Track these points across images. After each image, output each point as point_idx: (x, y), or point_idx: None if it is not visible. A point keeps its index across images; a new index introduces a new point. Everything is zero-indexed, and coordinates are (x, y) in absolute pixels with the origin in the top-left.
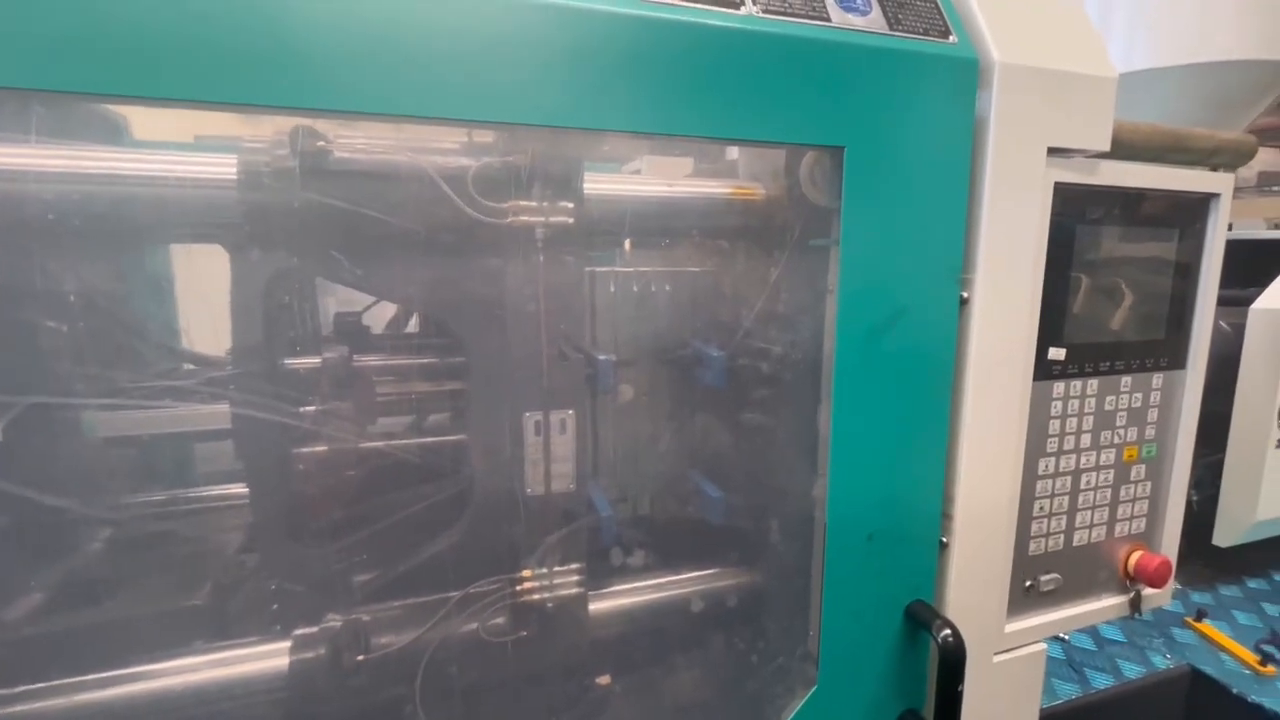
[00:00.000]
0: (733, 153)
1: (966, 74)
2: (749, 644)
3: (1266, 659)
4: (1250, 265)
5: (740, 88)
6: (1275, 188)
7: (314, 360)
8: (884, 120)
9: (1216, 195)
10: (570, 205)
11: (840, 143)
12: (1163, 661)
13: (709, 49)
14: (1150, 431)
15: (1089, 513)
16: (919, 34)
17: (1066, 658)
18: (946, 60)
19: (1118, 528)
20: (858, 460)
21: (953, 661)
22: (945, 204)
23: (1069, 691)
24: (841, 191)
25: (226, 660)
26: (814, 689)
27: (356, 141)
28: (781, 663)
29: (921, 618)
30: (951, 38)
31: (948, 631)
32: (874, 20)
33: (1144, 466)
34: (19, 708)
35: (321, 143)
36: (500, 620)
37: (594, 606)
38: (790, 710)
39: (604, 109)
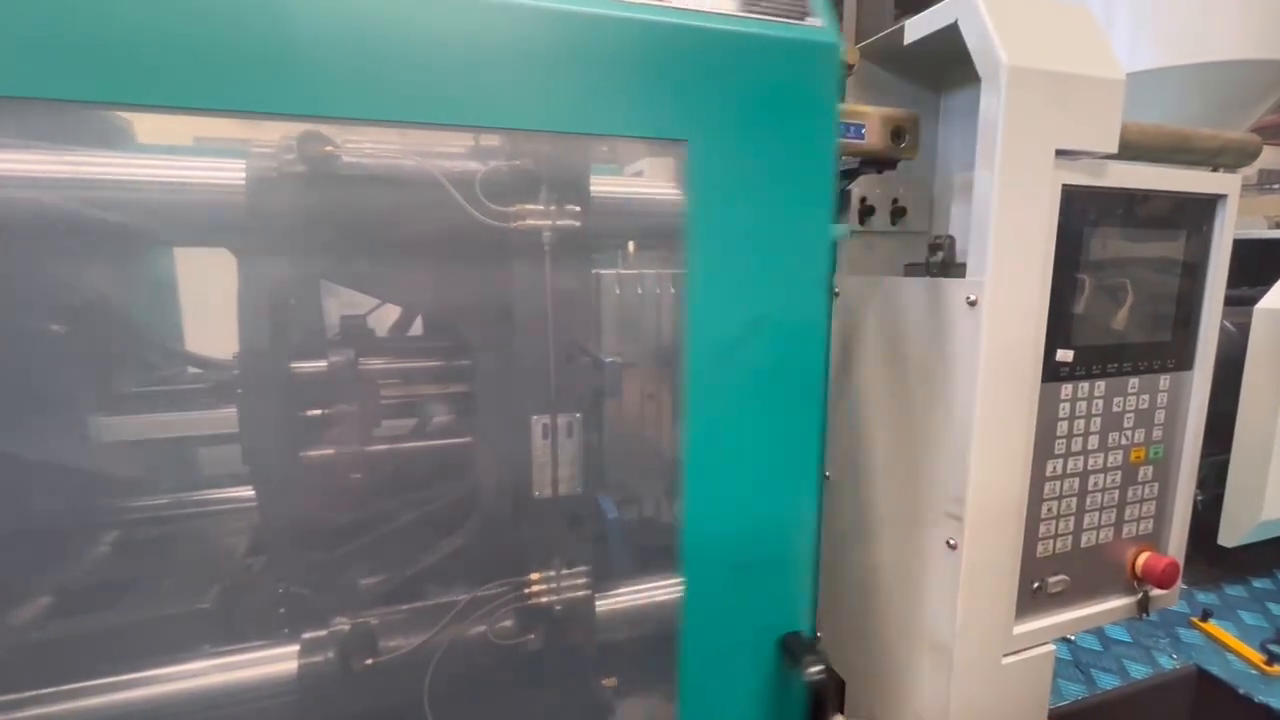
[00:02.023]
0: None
1: (826, 60)
2: (603, 680)
3: (1273, 659)
4: (1255, 265)
5: (563, 77)
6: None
7: (320, 364)
8: (732, 111)
9: (1224, 196)
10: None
11: (681, 136)
12: (1169, 662)
13: (529, 32)
14: (1157, 433)
15: (1096, 514)
16: (774, 16)
17: (1073, 658)
18: (803, 45)
19: (1125, 529)
20: (716, 482)
21: (822, 702)
22: (809, 203)
23: (1075, 692)
24: (685, 189)
25: (234, 665)
26: None
27: (364, 146)
28: (638, 702)
29: (793, 652)
30: (811, 20)
31: (817, 669)
32: (725, 1)
33: (1151, 468)
34: (30, 712)
35: (329, 147)
36: (508, 623)
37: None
38: None
39: (404, 100)
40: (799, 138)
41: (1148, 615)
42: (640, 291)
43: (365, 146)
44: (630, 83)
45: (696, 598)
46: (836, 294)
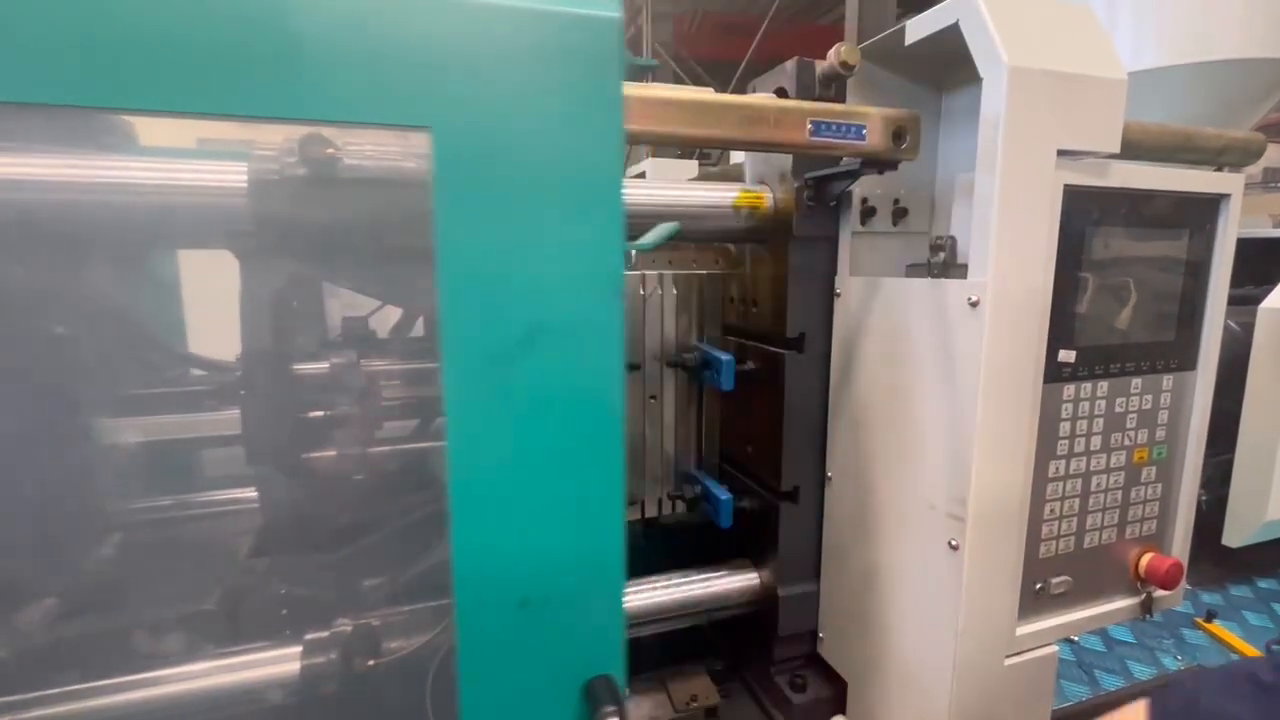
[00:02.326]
0: None
1: (604, 37)
2: None
3: None
4: (1259, 264)
5: (279, 55)
6: None
7: (322, 365)
8: (487, 94)
9: (1227, 196)
10: None
11: (424, 122)
12: (1173, 663)
13: (245, 13)
14: (1160, 433)
15: (1099, 515)
16: None
17: (1076, 659)
18: (573, 19)
19: (1128, 530)
20: (491, 511)
21: None
22: (591, 198)
23: (1079, 693)
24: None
25: (236, 665)
26: None
27: (365, 148)
28: None
29: (593, 700)
30: None
31: None
32: None
33: (1154, 468)
34: (34, 713)
35: (331, 150)
36: None
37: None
38: None
39: (115, 84)
40: (574, 124)
41: (1151, 616)
42: None
43: (366, 148)
44: (358, 62)
45: (475, 642)
46: (838, 294)
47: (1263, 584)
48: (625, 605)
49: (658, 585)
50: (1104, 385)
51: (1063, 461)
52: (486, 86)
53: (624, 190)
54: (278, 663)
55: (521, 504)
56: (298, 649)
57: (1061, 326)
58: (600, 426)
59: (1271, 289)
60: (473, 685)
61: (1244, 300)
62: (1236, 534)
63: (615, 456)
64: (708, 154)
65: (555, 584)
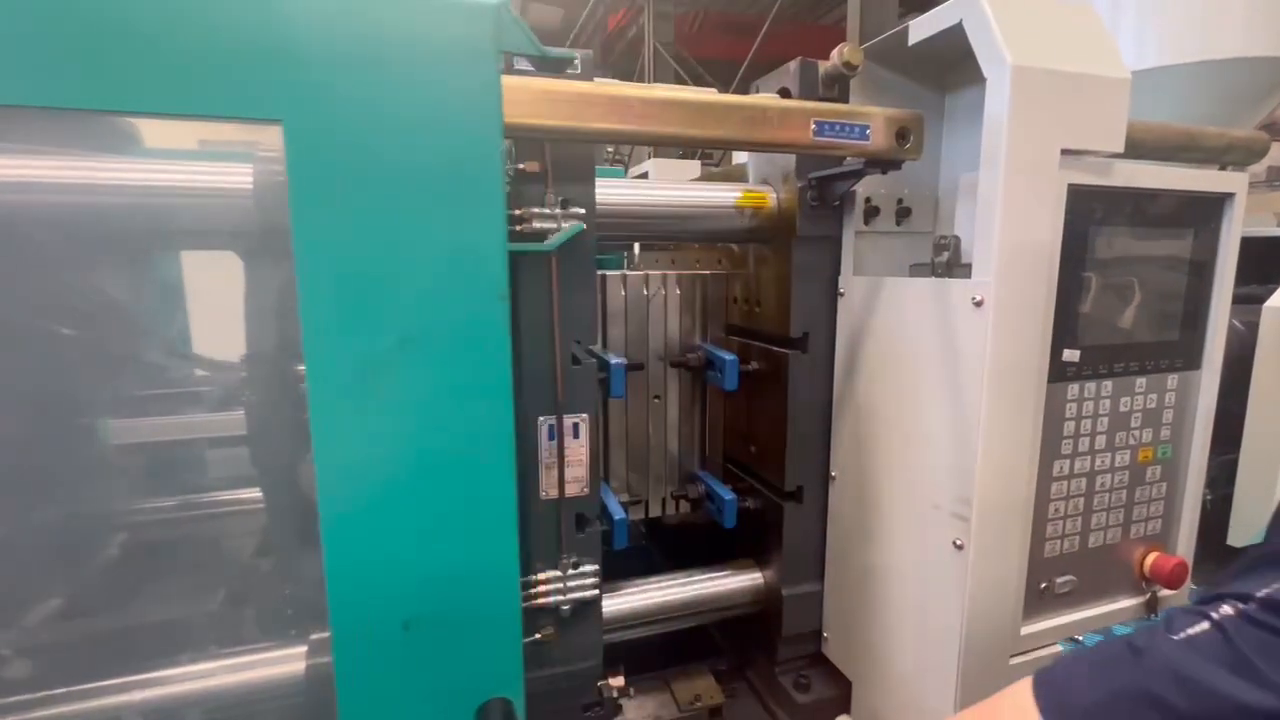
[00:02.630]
0: None
1: (477, 24)
2: None
3: None
4: (1263, 263)
5: (110, 44)
6: None
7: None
8: (346, 85)
9: (1231, 195)
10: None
11: (275, 116)
12: None
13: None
14: (1165, 432)
15: (1104, 514)
16: None
17: None
18: (444, 6)
19: (1133, 529)
20: (366, 529)
21: None
22: (466, 196)
23: None
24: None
25: (242, 665)
26: None
27: None
28: None
29: None
30: None
31: None
32: None
33: (1159, 468)
34: (38, 713)
35: None
36: None
37: None
38: None
39: None
40: (444, 118)
41: (1156, 616)
42: None
43: None
44: (192, 51)
45: (354, 670)
46: (841, 294)
47: None
48: (630, 605)
49: (662, 585)
50: (1108, 385)
51: (1067, 461)
52: (345, 77)
53: (619, 190)
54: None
55: (400, 520)
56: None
57: (1066, 326)
58: (486, 436)
59: (1276, 288)
60: (355, 715)
61: (1248, 299)
62: (1241, 533)
63: (503, 467)
64: (710, 154)
65: (442, 603)
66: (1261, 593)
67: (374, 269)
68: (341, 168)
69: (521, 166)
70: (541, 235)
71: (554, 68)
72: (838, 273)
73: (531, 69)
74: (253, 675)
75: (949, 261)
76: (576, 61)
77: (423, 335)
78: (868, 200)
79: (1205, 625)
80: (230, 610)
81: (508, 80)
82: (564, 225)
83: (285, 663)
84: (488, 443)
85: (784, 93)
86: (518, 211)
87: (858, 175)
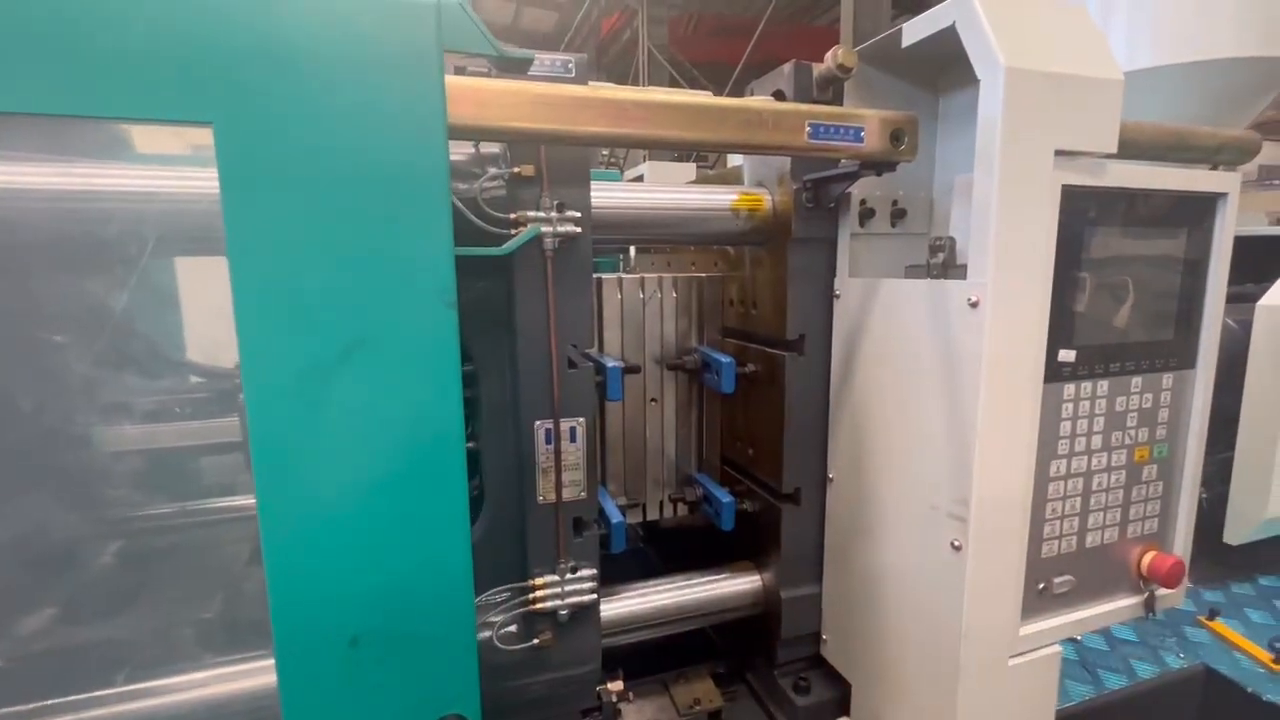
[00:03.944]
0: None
1: (418, 23)
2: None
3: None
4: (1256, 262)
5: (35, 44)
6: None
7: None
8: (280, 86)
9: (1224, 195)
10: None
11: (205, 118)
12: (1176, 661)
13: None
14: (1161, 432)
15: (1101, 514)
16: None
17: (1080, 659)
18: (382, 5)
19: (1130, 528)
20: (310, 542)
21: None
22: (409, 199)
23: (1083, 692)
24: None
25: (233, 675)
26: None
27: None
28: None
29: None
30: None
31: None
32: None
33: (1155, 467)
34: None
35: None
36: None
37: None
38: None
39: None
40: (385, 119)
41: (1154, 615)
42: None
43: None
44: (116, 51)
45: (300, 690)
46: (837, 296)
47: (1264, 581)
48: (629, 609)
49: (660, 589)
50: (1104, 384)
51: (1064, 461)
52: (278, 78)
53: (614, 193)
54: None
55: (346, 532)
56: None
57: (1061, 326)
58: (435, 446)
59: (1269, 286)
60: None
61: (1242, 298)
62: (1237, 532)
63: (455, 477)
64: (705, 157)
65: (392, 617)
66: None
67: (312, 275)
68: (276, 170)
69: (516, 170)
70: (538, 239)
71: (513, 68)
72: (833, 275)
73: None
74: (190, 696)
75: (944, 263)
76: (566, 64)
77: (367, 343)
78: (863, 202)
79: None
80: (168, 626)
81: (503, 85)
82: (560, 229)
83: (226, 681)
84: (437, 452)
85: (779, 95)
86: (513, 215)
87: (853, 177)
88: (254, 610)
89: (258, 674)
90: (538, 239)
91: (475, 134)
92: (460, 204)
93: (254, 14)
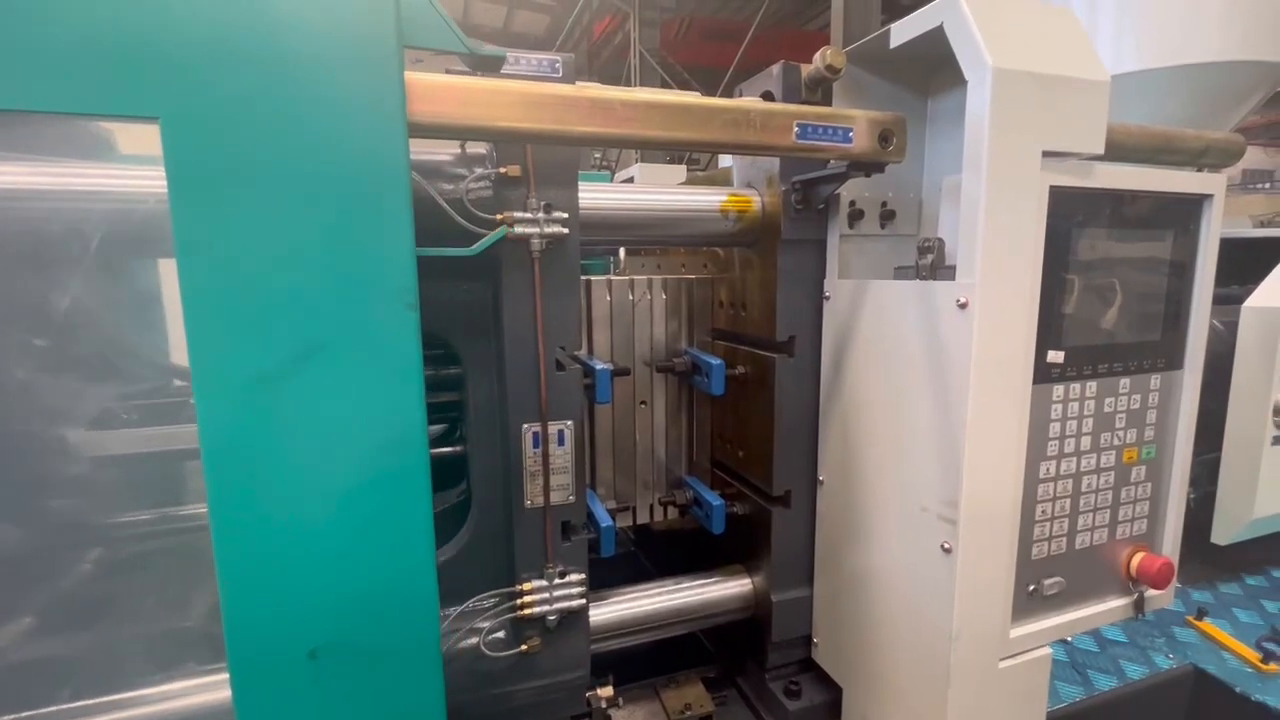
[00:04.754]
0: None
1: (377, 19)
2: None
3: (1268, 656)
4: (1241, 263)
5: None
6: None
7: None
8: (232, 80)
9: (1210, 196)
10: None
11: (151, 113)
12: (1165, 661)
13: None
14: (1149, 433)
15: (1090, 515)
16: None
17: (1070, 660)
18: (342, 1)
19: (1119, 529)
20: (265, 551)
21: None
22: (367, 197)
23: (1073, 694)
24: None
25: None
26: None
27: None
28: None
29: None
30: None
31: None
32: None
33: (1144, 468)
34: None
35: None
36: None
37: None
38: None
39: None
40: (340, 115)
41: (1144, 615)
42: None
43: None
44: (57, 45)
45: (256, 705)
46: (827, 297)
47: (1251, 581)
48: (619, 614)
49: (650, 593)
50: (1093, 385)
51: (1053, 462)
52: (229, 73)
53: (603, 194)
54: None
55: (303, 541)
56: None
57: (1050, 327)
58: (397, 452)
59: (1255, 288)
60: None
61: (1227, 300)
62: (1225, 532)
63: (417, 484)
64: (696, 159)
65: (353, 630)
66: None
67: (264, 276)
68: (226, 168)
69: (503, 170)
70: (525, 240)
71: (486, 66)
72: (823, 276)
73: (466, 68)
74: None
75: (933, 264)
76: (554, 64)
77: (324, 346)
78: (852, 203)
79: None
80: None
81: (490, 84)
82: (546, 230)
83: (178, 697)
84: (399, 458)
85: (767, 96)
86: (499, 216)
87: (841, 178)
88: (208, 623)
89: (212, 689)
90: (524, 240)
91: (461, 133)
92: (446, 204)
93: (202, 5)
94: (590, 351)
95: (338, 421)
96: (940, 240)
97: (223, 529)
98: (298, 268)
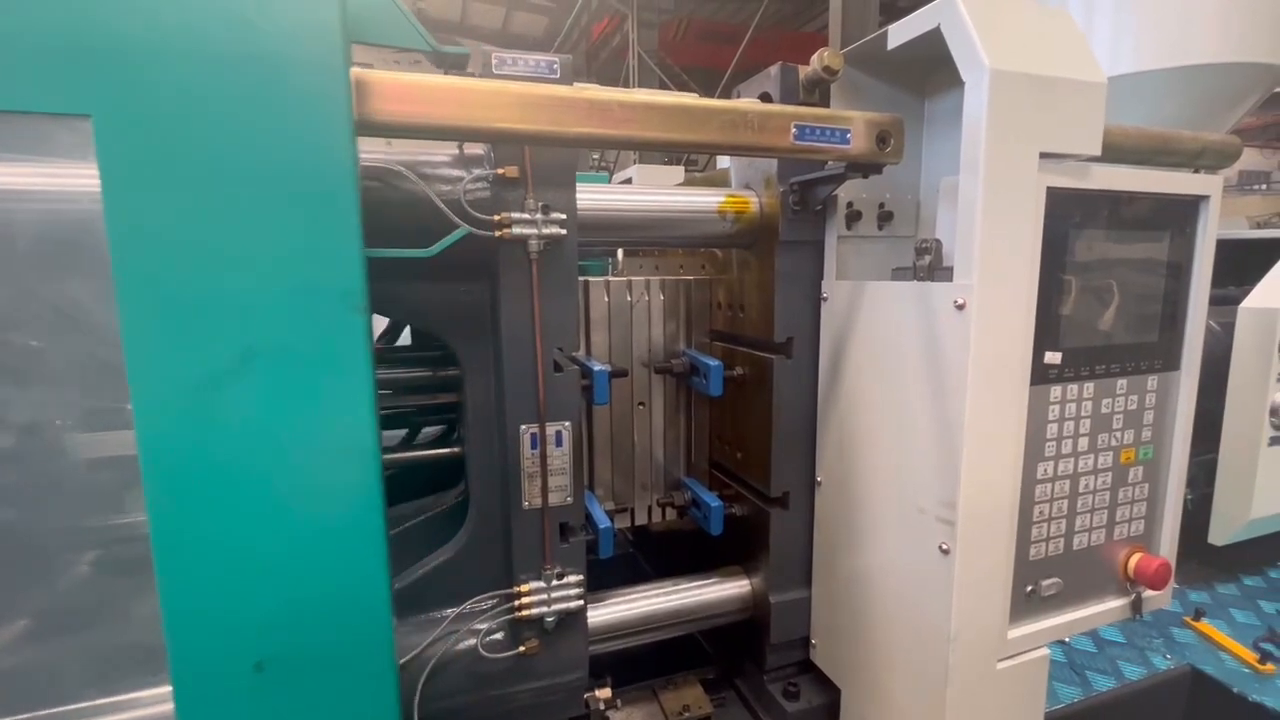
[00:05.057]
0: None
1: (321, 13)
2: None
3: (1266, 657)
4: (1237, 264)
5: None
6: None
7: None
8: (168, 76)
9: (1206, 197)
10: None
11: (82, 110)
12: (1163, 662)
13: None
14: (1147, 433)
15: (1088, 516)
16: None
17: (1067, 660)
18: None
19: (1117, 530)
20: (208, 560)
21: None
22: (310, 197)
23: (1070, 695)
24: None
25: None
26: None
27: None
28: None
29: None
30: None
31: None
32: None
33: (1141, 468)
34: None
35: None
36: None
37: None
38: None
39: None
40: (282, 112)
41: (1141, 616)
42: None
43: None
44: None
45: (199, 712)
46: (825, 299)
47: (1249, 581)
48: (617, 615)
49: (648, 594)
50: (1090, 386)
51: (1051, 463)
52: (164, 68)
53: (601, 195)
54: None
55: (247, 548)
56: None
57: (1047, 328)
58: (345, 457)
59: (1251, 289)
60: None
61: (1224, 301)
62: (1222, 532)
63: (368, 489)
64: (694, 160)
65: (301, 640)
66: None
67: (203, 277)
68: (162, 166)
69: (500, 171)
70: (522, 241)
71: (450, 64)
72: (821, 277)
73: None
74: None
75: (930, 265)
76: (551, 64)
77: (268, 350)
78: (849, 205)
79: None
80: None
81: (488, 85)
82: (544, 231)
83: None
84: (348, 464)
85: (765, 97)
86: (497, 217)
87: (839, 179)
88: (148, 635)
89: (152, 703)
90: (522, 241)
91: (458, 134)
92: (443, 205)
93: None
94: (588, 353)
95: (282, 427)
96: (938, 241)
97: (163, 538)
98: (238, 269)
